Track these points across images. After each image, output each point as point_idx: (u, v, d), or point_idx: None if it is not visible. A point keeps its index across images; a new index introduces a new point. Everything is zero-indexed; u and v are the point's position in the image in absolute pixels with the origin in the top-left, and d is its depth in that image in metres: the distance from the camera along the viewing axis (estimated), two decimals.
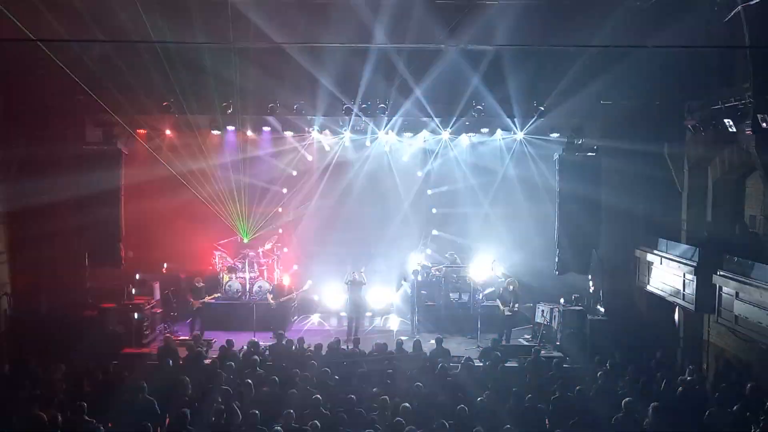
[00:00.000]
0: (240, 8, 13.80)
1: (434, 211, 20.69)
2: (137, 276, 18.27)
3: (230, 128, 18.96)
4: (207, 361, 13.63)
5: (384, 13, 13.95)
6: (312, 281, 19.82)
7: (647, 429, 10.11)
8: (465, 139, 19.69)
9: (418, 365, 12.96)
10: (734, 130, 12.90)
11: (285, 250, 20.36)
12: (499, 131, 18.76)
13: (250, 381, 11.50)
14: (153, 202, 18.55)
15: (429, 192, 20.75)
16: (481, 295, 18.15)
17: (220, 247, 19.51)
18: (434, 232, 20.65)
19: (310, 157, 20.34)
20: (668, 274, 15.10)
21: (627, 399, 10.48)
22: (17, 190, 16.21)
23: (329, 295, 19.78)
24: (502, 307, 16.90)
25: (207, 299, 18.05)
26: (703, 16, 13.41)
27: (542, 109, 16.85)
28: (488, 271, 18.56)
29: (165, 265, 19.29)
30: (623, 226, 17.11)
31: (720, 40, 12.97)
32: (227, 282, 18.97)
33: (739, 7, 11.92)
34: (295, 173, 20.48)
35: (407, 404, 10.17)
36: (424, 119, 17.93)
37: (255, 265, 19.30)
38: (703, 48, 13.21)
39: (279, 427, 9.39)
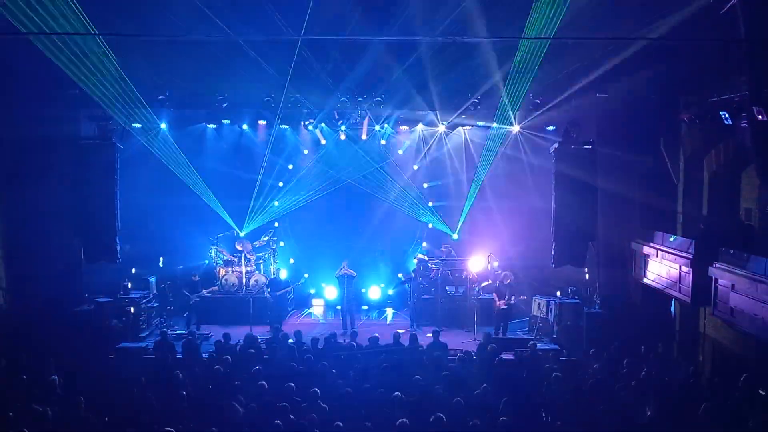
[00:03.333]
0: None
1: (431, 204, 20.69)
2: (133, 270, 18.29)
3: (225, 121, 18.98)
4: (204, 356, 13.64)
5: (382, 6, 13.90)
6: (308, 274, 19.85)
7: (644, 422, 10.14)
8: (461, 132, 19.72)
9: (415, 358, 12.96)
10: (730, 122, 12.89)
11: (281, 243, 20.36)
12: (495, 124, 18.76)
13: (246, 375, 11.51)
14: (149, 196, 18.53)
15: (425, 185, 20.77)
16: (477, 288, 18.17)
17: (216, 241, 19.49)
18: (430, 225, 20.66)
19: (306, 151, 20.32)
20: (664, 267, 15.11)
21: (624, 392, 10.52)
22: (12, 184, 16.15)
23: (325, 289, 19.80)
24: (498, 301, 16.93)
25: (203, 293, 18.06)
26: (698, 8, 13.36)
27: (538, 102, 16.86)
28: (484, 265, 18.60)
29: (161, 259, 19.28)
30: (619, 218, 17.12)
31: (716, 32, 12.93)
32: (223, 276, 18.98)
33: None
34: (291, 166, 20.47)
35: (404, 397, 10.19)
36: (421, 112, 17.92)
37: (251, 258, 19.30)
38: (698, 41, 13.17)
39: (278, 421, 9.39)
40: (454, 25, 13.47)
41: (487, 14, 13.24)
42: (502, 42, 14.42)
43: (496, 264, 18.62)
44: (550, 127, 18.36)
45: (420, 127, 19.56)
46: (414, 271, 18.89)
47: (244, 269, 19.01)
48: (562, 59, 14.85)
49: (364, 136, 19.70)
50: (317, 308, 19.85)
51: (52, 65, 13.21)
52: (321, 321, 18.94)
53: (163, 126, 18.46)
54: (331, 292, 19.53)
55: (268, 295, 17.92)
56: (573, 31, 12.96)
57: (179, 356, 13.84)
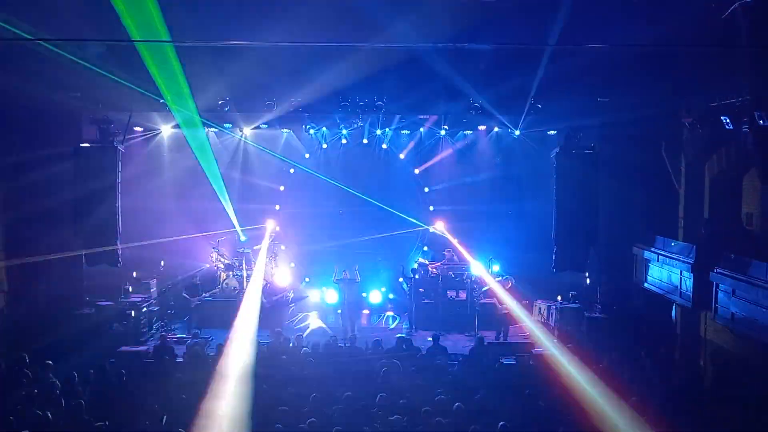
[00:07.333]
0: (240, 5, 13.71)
1: (431, 208, 20.70)
2: (134, 274, 18.28)
3: (227, 125, 19.00)
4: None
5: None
6: (309, 278, 19.83)
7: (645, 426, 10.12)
8: (462, 136, 19.74)
9: (416, 363, 12.95)
10: (731, 127, 12.89)
11: (282, 247, 20.36)
12: (496, 128, 18.78)
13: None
14: (150, 200, 18.54)
15: (426, 189, 20.78)
16: (478, 292, 18.14)
17: (217, 245, 19.49)
18: (431, 229, 20.66)
19: (307, 155, 20.33)
20: (665, 272, 15.10)
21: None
22: (14, 188, 16.16)
23: (326, 293, 19.78)
24: (498, 305, 16.90)
25: (204, 296, 18.04)
26: (699, 12, 13.36)
27: (539, 106, 16.84)
28: (485, 269, 18.58)
29: (162, 262, 19.28)
30: (620, 223, 17.11)
31: (717, 37, 12.93)
32: (224, 280, 18.96)
33: (737, 3, 11.88)
34: (292, 170, 20.48)
35: (404, 402, 10.17)
36: (422, 117, 17.94)
37: (252, 262, 19.29)
38: (699, 45, 13.17)
39: (279, 425, 9.37)
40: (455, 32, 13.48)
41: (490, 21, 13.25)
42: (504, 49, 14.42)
43: (497, 268, 18.59)
44: (552, 131, 18.34)
45: (421, 130, 19.58)
46: (414, 273, 18.87)
47: (245, 273, 19.00)
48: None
49: (365, 140, 19.72)
50: (317, 313, 19.81)
51: (54, 68, 13.22)
52: (322, 325, 18.91)
53: (165, 130, 18.50)
54: (332, 296, 19.50)
55: (265, 300, 17.84)
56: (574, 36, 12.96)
57: (179, 360, 13.80)
